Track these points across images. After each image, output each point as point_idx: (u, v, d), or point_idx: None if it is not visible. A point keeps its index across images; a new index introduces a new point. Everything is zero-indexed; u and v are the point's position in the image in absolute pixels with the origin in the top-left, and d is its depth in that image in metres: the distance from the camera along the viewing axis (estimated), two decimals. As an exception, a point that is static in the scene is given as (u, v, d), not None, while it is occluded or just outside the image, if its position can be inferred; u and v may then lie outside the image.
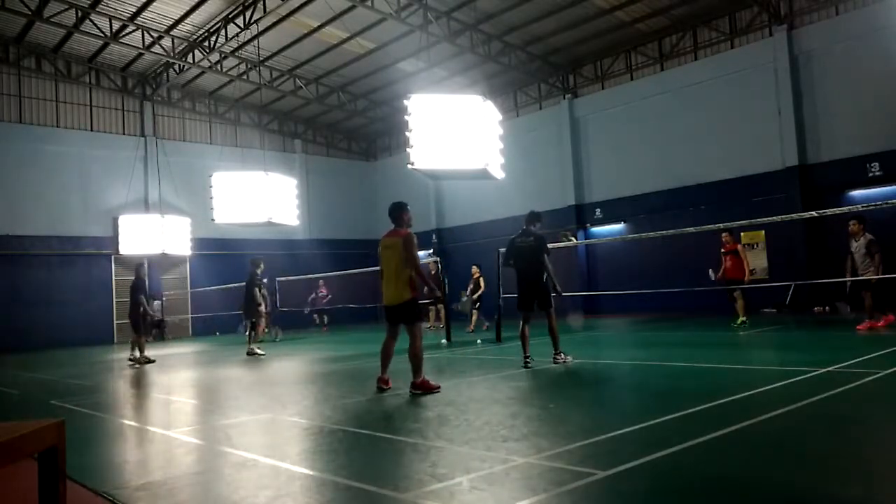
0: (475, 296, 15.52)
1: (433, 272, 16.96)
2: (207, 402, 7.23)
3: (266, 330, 16.17)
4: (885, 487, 3.02)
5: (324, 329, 21.24)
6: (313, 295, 21.40)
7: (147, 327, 12.39)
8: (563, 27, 18.82)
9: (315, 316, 21.65)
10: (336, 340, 16.31)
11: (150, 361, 12.05)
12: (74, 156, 21.07)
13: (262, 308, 13.01)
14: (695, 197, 17.96)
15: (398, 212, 6.82)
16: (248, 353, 12.28)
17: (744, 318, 11.97)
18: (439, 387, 6.41)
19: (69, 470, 2.50)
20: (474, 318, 15.46)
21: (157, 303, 20.53)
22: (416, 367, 6.37)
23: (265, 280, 13.24)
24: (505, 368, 8.04)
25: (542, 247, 7.99)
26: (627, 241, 17.91)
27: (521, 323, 8.04)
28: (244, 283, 13.16)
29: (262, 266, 12.94)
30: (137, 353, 12.09)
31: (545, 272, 7.94)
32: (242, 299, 13.09)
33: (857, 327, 9.96)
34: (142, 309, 12.34)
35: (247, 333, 12.91)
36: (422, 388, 6.29)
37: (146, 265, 13.20)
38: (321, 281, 21.18)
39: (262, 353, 12.37)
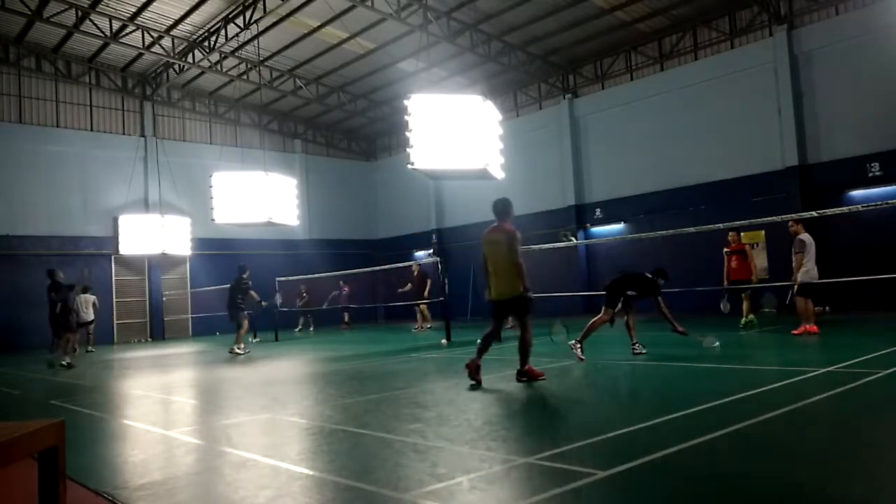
0: None
1: (416, 273, 17.39)
2: (207, 402, 7.22)
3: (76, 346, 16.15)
4: (886, 488, 3.02)
5: (344, 327, 21.45)
6: (335, 292, 21.55)
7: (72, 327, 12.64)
8: (563, 27, 18.82)
9: (346, 315, 22.15)
10: (335, 341, 16.31)
11: (72, 366, 11.96)
12: (74, 156, 21.06)
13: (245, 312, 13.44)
14: (695, 197, 17.95)
15: (506, 207, 6.95)
16: (229, 352, 12.87)
17: (751, 317, 11.81)
18: (544, 375, 6.60)
19: (69, 470, 2.50)
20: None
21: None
22: (525, 356, 6.58)
23: (251, 283, 13.71)
24: (505, 368, 8.04)
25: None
26: (627, 241, 17.92)
27: (626, 317, 8.53)
28: (229, 287, 13.70)
29: (248, 272, 13.45)
30: (69, 358, 12.18)
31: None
32: (227, 302, 13.57)
33: (794, 332, 9.92)
34: (70, 307, 12.50)
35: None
36: (528, 376, 6.51)
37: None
38: (341, 281, 21.30)
39: (247, 350, 13.05)
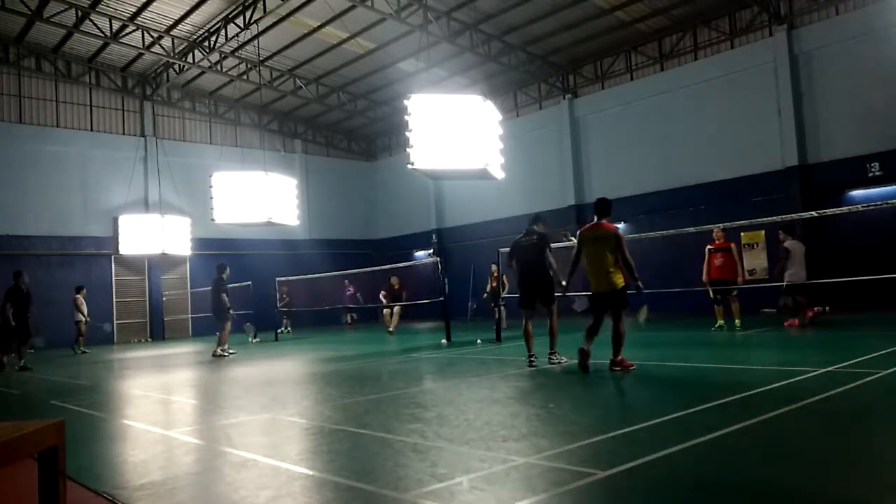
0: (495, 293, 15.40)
1: (396, 287, 17.71)
2: (207, 402, 7.23)
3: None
4: (885, 488, 3.02)
5: (348, 326, 21.26)
6: (348, 292, 21.49)
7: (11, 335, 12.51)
8: (563, 27, 18.82)
9: (348, 315, 21.90)
10: (335, 341, 16.31)
11: (3, 367, 12.28)
12: (74, 156, 21.07)
13: (230, 312, 13.21)
14: (695, 197, 17.95)
15: (608, 207, 7.42)
16: (213, 355, 12.61)
17: (721, 322, 11.53)
18: (634, 365, 6.97)
19: (69, 470, 2.50)
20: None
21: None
22: (618, 346, 7.02)
23: (228, 286, 13.46)
24: (505, 368, 8.04)
25: (544, 244, 8.06)
26: (627, 240, 17.91)
27: (525, 321, 8.05)
28: (209, 289, 13.59)
29: (227, 272, 13.26)
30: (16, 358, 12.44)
31: (550, 269, 7.98)
32: (210, 304, 13.44)
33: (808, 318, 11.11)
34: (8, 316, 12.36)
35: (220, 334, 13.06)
36: (620, 366, 6.93)
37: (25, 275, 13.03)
38: (347, 280, 21.18)
39: (233, 351, 12.96)
